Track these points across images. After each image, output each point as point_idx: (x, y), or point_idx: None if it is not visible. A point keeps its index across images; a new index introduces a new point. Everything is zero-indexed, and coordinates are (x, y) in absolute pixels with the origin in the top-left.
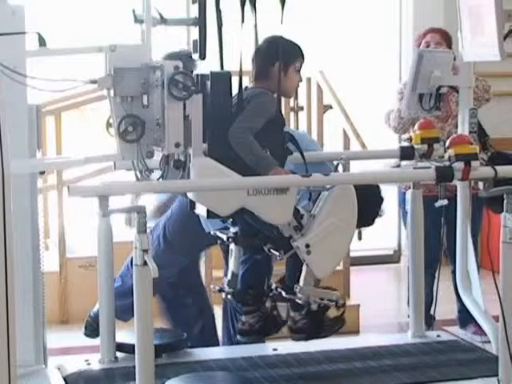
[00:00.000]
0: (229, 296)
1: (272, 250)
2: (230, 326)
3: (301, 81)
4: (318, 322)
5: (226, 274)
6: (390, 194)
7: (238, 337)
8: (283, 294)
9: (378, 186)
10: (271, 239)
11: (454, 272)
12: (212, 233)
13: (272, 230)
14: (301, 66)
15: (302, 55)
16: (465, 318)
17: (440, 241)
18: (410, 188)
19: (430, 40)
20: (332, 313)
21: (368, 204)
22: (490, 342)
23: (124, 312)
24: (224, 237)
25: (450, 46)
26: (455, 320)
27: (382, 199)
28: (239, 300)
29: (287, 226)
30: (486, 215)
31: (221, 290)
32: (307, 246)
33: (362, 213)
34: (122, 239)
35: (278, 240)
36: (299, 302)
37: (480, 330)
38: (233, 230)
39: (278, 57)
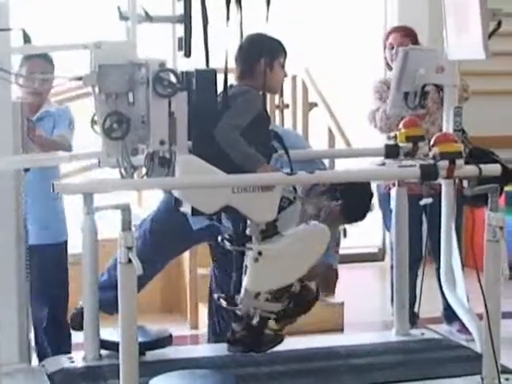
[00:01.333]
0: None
1: (225, 240)
2: (216, 323)
3: (286, 76)
4: (257, 335)
5: (214, 272)
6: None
7: (228, 348)
8: (224, 304)
9: (368, 182)
10: (234, 231)
11: (437, 270)
12: (195, 229)
13: (241, 224)
14: (284, 61)
15: (285, 50)
16: (450, 314)
17: (421, 239)
18: (389, 187)
19: (393, 41)
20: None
21: (359, 199)
22: (474, 339)
23: (110, 305)
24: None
25: (415, 43)
26: (439, 318)
27: (371, 194)
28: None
29: (255, 226)
30: (470, 214)
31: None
32: (259, 253)
33: (354, 208)
34: (107, 236)
35: (238, 233)
36: (239, 313)
37: (465, 328)
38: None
39: (263, 54)
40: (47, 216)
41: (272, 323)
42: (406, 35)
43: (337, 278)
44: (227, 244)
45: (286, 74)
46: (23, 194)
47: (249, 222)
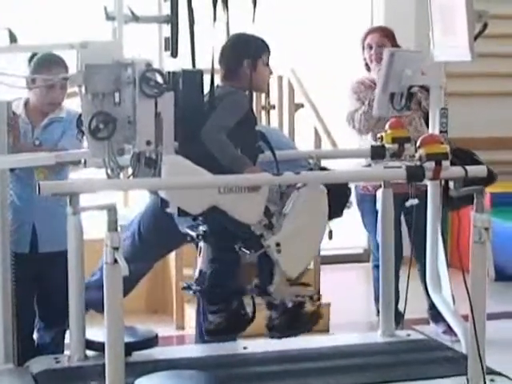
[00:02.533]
0: (196, 294)
1: (242, 249)
2: (202, 323)
3: (271, 73)
4: (294, 319)
5: (200, 272)
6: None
7: (206, 337)
8: (257, 294)
9: None
10: (242, 238)
11: (420, 270)
12: (184, 229)
13: (243, 228)
14: (268, 58)
15: (268, 48)
16: (436, 313)
17: (401, 238)
18: (366, 188)
19: (371, 41)
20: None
21: (336, 195)
22: (459, 341)
23: (101, 304)
24: (194, 234)
25: (394, 43)
26: (424, 319)
27: (349, 190)
28: (206, 298)
29: (258, 225)
30: (456, 215)
31: (188, 288)
32: (277, 244)
33: (331, 204)
34: (92, 237)
35: (249, 238)
36: (275, 302)
37: (450, 329)
38: (202, 227)
39: (246, 55)
40: (58, 222)
41: (308, 305)
42: (385, 35)
43: None
44: (247, 253)
45: (271, 71)
46: (9, 195)
47: (251, 224)
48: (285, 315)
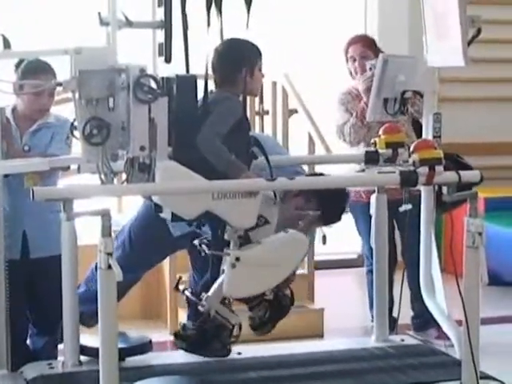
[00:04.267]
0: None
1: (203, 245)
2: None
3: (263, 76)
4: (204, 340)
5: (193, 278)
6: None
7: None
8: (188, 295)
9: None
10: (212, 235)
11: (408, 276)
12: (175, 234)
13: (220, 228)
14: (261, 63)
15: (260, 53)
16: (418, 323)
17: (395, 245)
18: (359, 194)
19: (353, 54)
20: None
21: (334, 200)
22: (453, 345)
23: (88, 317)
24: (196, 243)
25: (376, 52)
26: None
27: (347, 195)
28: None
29: (232, 232)
30: (449, 220)
31: (183, 292)
32: (237, 259)
33: (330, 209)
34: (86, 242)
35: (216, 238)
36: (200, 308)
37: (442, 334)
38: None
39: (244, 62)
40: (49, 228)
41: (225, 335)
42: (367, 45)
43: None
44: (205, 248)
45: (264, 74)
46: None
47: (227, 227)
48: (198, 330)
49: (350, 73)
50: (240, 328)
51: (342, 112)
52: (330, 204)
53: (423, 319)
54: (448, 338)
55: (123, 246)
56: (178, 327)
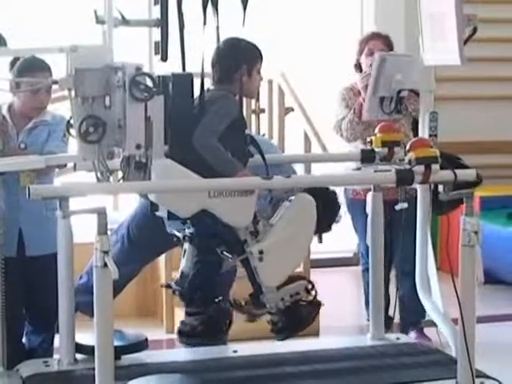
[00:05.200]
0: (175, 293)
1: (225, 253)
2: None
3: (261, 80)
4: (295, 317)
5: None
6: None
7: (178, 339)
8: (254, 311)
9: (334, 193)
10: (225, 241)
11: (402, 274)
12: (169, 231)
13: (229, 232)
14: (261, 66)
15: (261, 55)
16: (407, 323)
17: (391, 244)
18: (356, 192)
19: (373, 47)
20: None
21: (326, 211)
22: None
23: (89, 307)
24: (180, 235)
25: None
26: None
27: (339, 206)
28: (185, 300)
29: (244, 230)
30: (445, 218)
31: (168, 286)
32: (261, 252)
33: (320, 219)
34: (82, 240)
35: (232, 243)
36: (272, 311)
37: (422, 337)
38: (189, 230)
39: (244, 61)
40: (45, 226)
41: (304, 297)
42: (387, 45)
43: None
44: (228, 256)
45: (262, 77)
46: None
47: (236, 229)
48: (285, 316)
49: (357, 66)
50: (310, 282)
51: (342, 107)
52: (320, 214)
53: (405, 321)
54: (427, 339)
55: (122, 240)
56: (173, 324)
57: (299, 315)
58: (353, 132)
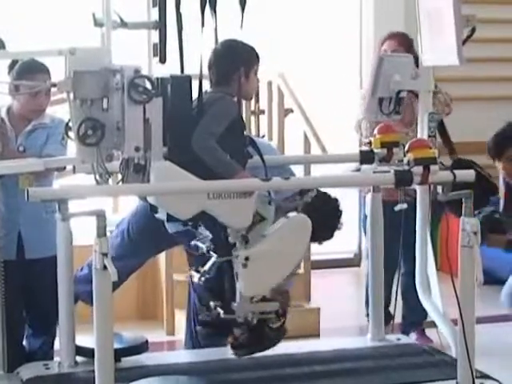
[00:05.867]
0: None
1: (211, 252)
2: (193, 329)
3: (258, 82)
4: (258, 336)
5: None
6: (349, 197)
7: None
8: (222, 315)
9: (336, 200)
10: (214, 241)
11: (403, 275)
12: (193, 243)
13: (221, 231)
14: (258, 68)
15: (258, 57)
16: (408, 324)
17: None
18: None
19: (387, 48)
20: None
21: (327, 218)
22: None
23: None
24: (204, 248)
25: (409, 50)
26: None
27: (340, 212)
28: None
29: (235, 233)
30: (445, 219)
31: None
32: (247, 258)
33: (322, 227)
34: (82, 243)
35: (221, 243)
36: (239, 320)
37: (422, 338)
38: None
39: (241, 63)
40: (44, 229)
41: (272, 321)
42: (401, 44)
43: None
44: (214, 255)
45: (259, 79)
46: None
47: (229, 229)
48: (248, 333)
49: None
50: (282, 307)
51: (363, 107)
52: (322, 221)
53: (407, 322)
54: (429, 340)
55: (122, 235)
56: (173, 327)
57: (262, 336)
58: (372, 131)
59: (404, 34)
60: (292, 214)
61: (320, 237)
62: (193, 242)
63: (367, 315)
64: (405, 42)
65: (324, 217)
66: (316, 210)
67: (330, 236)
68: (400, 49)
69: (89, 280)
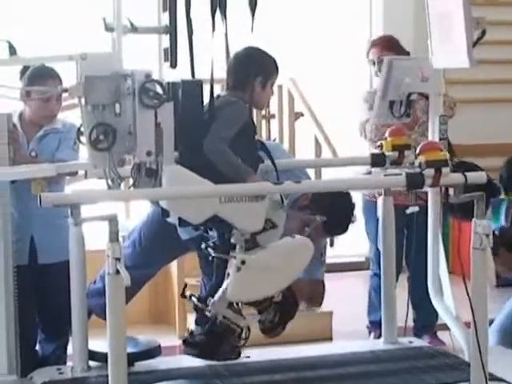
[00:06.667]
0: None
1: (208, 248)
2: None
3: (273, 94)
4: (214, 342)
5: (203, 282)
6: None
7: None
8: (195, 301)
9: (348, 193)
10: (217, 238)
11: (413, 278)
12: (183, 238)
13: (227, 231)
14: (275, 80)
15: (278, 70)
16: (420, 327)
17: (402, 250)
18: (374, 196)
19: (372, 57)
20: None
21: (341, 212)
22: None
23: (103, 310)
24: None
25: (397, 53)
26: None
27: (353, 205)
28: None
29: (239, 236)
30: (456, 221)
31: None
32: (243, 262)
33: (336, 221)
34: (94, 247)
35: (222, 242)
36: (207, 314)
37: (435, 340)
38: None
39: (261, 72)
40: (56, 234)
41: (234, 338)
42: (386, 48)
43: (324, 291)
44: (211, 251)
45: (273, 92)
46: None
47: (234, 230)
48: (206, 335)
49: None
50: (249, 330)
51: (365, 109)
52: (335, 215)
53: (419, 325)
54: (441, 343)
55: (133, 245)
56: (186, 332)
57: (217, 345)
58: (377, 133)
59: (386, 38)
60: (298, 236)
61: (335, 231)
62: (203, 245)
63: (369, 325)
64: (389, 45)
65: (337, 211)
66: (329, 204)
67: (344, 230)
68: (386, 53)
69: (102, 293)
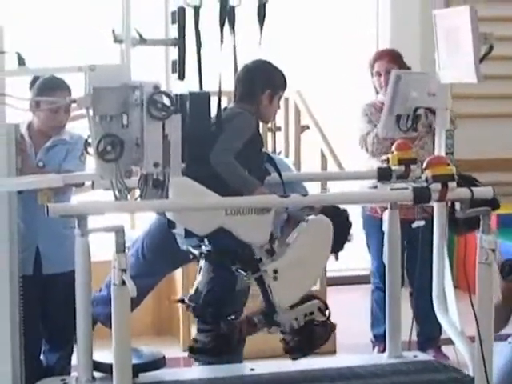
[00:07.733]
0: (189, 308)
1: (239, 270)
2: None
3: (279, 108)
4: (308, 335)
5: None
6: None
7: (187, 354)
8: (267, 329)
9: (345, 211)
10: (240, 259)
11: (411, 294)
12: (185, 248)
13: (244, 249)
14: (283, 94)
15: (286, 85)
16: (424, 341)
17: (403, 264)
18: (374, 210)
19: (379, 69)
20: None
21: (337, 230)
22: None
23: (108, 317)
24: (196, 252)
25: (402, 66)
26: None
27: (350, 224)
28: (198, 316)
29: (259, 248)
30: (463, 236)
31: (182, 301)
32: (275, 271)
33: (332, 239)
34: (100, 259)
35: (248, 260)
36: (285, 330)
37: (440, 355)
38: (206, 247)
39: (269, 86)
40: (62, 244)
41: (318, 317)
42: (392, 61)
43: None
44: (242, 274)
45: (280, 107)
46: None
47: (253, 244)
48: (298, 335)
49: (375, 87)
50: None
51: (365, 122)
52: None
53: (422, 339)
54: (445, 357)
55: (136, 255)
56: (191, 342)
57: (312, 335)
58: (379, 146)
59: (392, 51)
60: (311, 217)
61: (331, 249)
62: (182, 247)
63: (373, 339)
64: (395, 58)
65: (335, 228)
66: None
67: (340, 248)
68: (393, 66)
69: (107, 301)
